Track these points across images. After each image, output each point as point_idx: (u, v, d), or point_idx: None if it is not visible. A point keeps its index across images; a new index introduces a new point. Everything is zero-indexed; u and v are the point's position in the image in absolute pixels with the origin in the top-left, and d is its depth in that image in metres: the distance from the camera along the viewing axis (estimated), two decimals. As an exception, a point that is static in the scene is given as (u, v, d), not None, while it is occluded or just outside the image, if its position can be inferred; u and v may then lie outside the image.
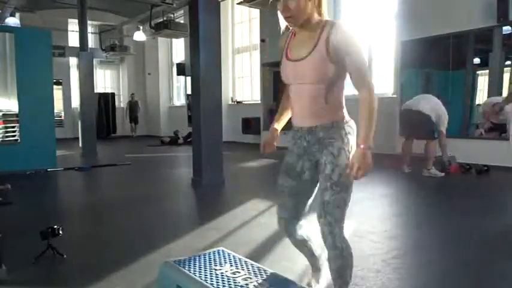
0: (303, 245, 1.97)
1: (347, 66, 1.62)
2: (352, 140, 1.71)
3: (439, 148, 5.91)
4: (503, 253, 2.86)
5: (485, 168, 5.94)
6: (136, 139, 14.83)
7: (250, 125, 11.42)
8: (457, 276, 2.47)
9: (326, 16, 1.70)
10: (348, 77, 1.68)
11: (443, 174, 5.77)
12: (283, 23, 1.72)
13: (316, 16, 1.68)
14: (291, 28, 1.75)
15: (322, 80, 1.63)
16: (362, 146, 1.60)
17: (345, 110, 1.75)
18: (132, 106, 15.37)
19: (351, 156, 1.65)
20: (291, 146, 1.82)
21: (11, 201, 4.36)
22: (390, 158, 6.47)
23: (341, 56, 1.60)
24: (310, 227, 1.96)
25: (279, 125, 2.00)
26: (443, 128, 5.77)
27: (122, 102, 16.74)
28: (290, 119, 1.90)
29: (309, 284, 2.08)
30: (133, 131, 15.53)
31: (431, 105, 5.74)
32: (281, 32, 1.79)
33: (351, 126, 1.73)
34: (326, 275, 1.99)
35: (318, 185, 1.74)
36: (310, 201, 1.87)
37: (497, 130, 6.60)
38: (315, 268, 2.07)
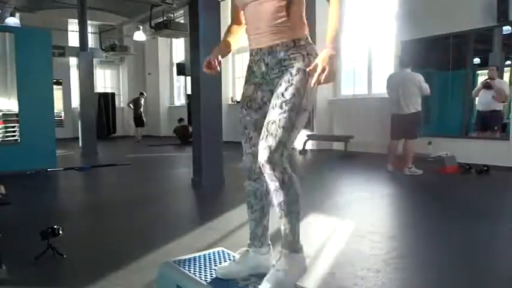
0: (258, 197, 1.75)
1: None
2: (313, 62, 1.54)
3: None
4: (503, 253, 2.86)
5: (485, 168, 5.93)
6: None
7: (250, 125, 11.40)
8: (457, 276, 2.46)
9: None
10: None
11: (421, 172, 5.85)
12: None
13: None
14: None
15: None
16: (329, 47, 1.47)
17: (307, 30, 1.63)
18: (136, 105, 13.74)
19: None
20: (247, 75, 1.69)
21: (9, 201, 4.35)
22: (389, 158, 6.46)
23: None
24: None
25: (231, 39, 1.78)
26: (428, 91, 5.88)
27: (122, 102, 16.73)
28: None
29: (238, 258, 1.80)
30: (137, 134, 13.90)
31: (414, 93, 5.81)
32: None
33: (313, 48, 1.61)
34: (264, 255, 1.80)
35: (268, 107, 1.58)
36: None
37: (488, 128, 6.65)
38: (253, 242, 1.79)
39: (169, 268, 1.88)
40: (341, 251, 2.81)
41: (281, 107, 1.52)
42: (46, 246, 2.65)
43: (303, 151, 8.90)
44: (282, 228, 1.64)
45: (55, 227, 2.69)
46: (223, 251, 2.04)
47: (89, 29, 11.43)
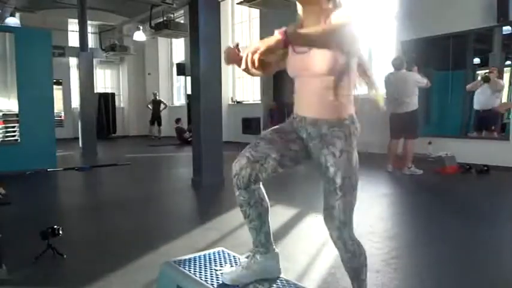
0: (253, 207, 1.73)
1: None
2: (355, 141, 1.60)
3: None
4: (503, 253, 2.87)
5: (485, 168, 5.94)
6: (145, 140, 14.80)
7: (250, 125, 11.43)
8: (457, 276, 2.47)
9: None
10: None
11: (421, 171, 5.86)
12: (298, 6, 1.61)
13: (325, 2, 1.57)
14: (297, 22, 1.62)
15: (331, 70, 1.52)
16: (282, 29, 1.38)
17: (352, 108, 1.63)
18: (155, 106, 14.47)
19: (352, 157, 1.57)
20: (287, 124, 1.68)
21: (9, 201, 4.35)
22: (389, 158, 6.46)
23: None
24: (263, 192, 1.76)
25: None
26: (427, 82, 5.93)
27: (122, 102, 16.74)
28: None
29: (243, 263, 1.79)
30: (158, 133, 14.48)
31: (411, 91, 5.85)
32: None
33: (356, 127, 1.62)
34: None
35: (322, 187, 1.62)
36: (279, 169, 1.64)
37: (485, 128, 6.67)
38: (257, 250, 1.78)
39: (170, 268, 1.88)
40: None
41: (336, 193, 1.58)
42: (46, 246, 2.65)
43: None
44: (354, 287, 1.73)
45: (55, 227, 2.69)
46: (223, 251, 2.04)
47: (89, 29, 11.43)
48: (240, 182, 1.70)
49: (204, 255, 1.97)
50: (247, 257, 1.80)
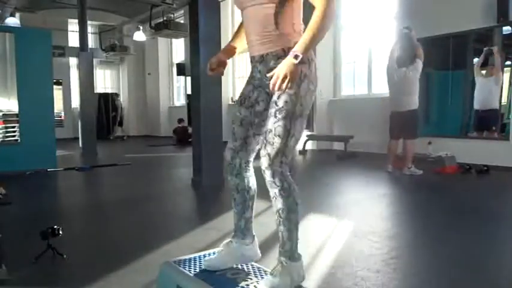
0: (240, 192, 1.84)
1: None
2: (305, 68, 1.56)
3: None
4: (503, 253, 2.87)
5: (485, 168, 5.94)
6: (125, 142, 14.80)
7: (250, 125, 11.42)
8: (457, 276, 2.47)
9: None
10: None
11: (421, 172, 5.86)
12: None
13: None
14: None
15: None
16: (292, 54, 1.46)
17: (299, 36, 1.58)
18: (114, 106, 14.17)
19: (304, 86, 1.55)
20: (249, 77, 1.74)
21: (9, 201, 4.36)
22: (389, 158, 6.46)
23: None
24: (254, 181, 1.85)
25: (235, 43, 1.87)
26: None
27: (122, 102, 16.74)
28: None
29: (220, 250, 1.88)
30: (121, 133, 14.65)
31: (413, 88, 5.85)
32: None
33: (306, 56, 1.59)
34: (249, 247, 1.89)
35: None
36: (262, 135, 1.68)
37: (486, 128, 6.67)
38: (237, 234, 1.91)
39: (170, 268, 1.88)
40: (341, 251, 2.81)
41: (275, 116, 1.55)
42: (46, 246, 2.65)
43: (303, 151, 8.90)
44: (280, 235, 1.66)
45: (55, 227, 2.69)
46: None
47: (89, 29, 11.43)
48: (233, 169, 1.79)
49: (204, 255, 1.97)
50: (224, 245, 1.87)
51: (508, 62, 6.75)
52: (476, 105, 6.73)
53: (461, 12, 6.62)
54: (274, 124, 1.54)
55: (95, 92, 12.11)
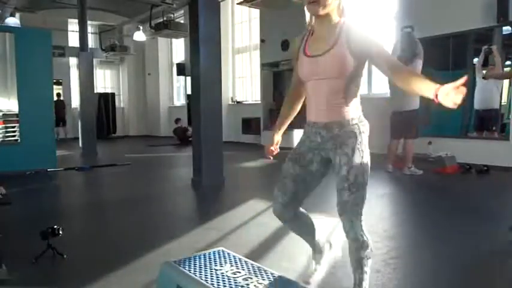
0: (301, 227, 2.04)
1: (374, 59, 1.67)
2: (365, 139, 1.75)
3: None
4: (503, 254, 2.86)
5: (485, 168, 5.94)
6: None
7: (250, 125, 11.43)
8: (457, 276, 2.47)
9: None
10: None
11: (421, 172, 5.88)
12: (308, 15, 1.79)
13: (336, 15, 1.77)
14: (308, 29, 1.82)
15: (342, 74, 1.67)
16: (435, 89, 1.45)
17: (360, 109, 1.79)
18: (59, 106, 12.79)
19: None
20: (303, 138, 1.86)
21: (10, 202, 4.35)
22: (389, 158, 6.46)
23: (361, 51, 1.66)
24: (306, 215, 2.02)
25: (280, 131, 2.06)
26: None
27: (122, 102, 16.75)
28: (297, 117, 1.99)
29: (311, 267, 2.19)
30: (64, 134, 14.00)
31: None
32: (306, 24, 1.84)
33: (364, 125, 1.77)
34: (327, 257, 2.18)
35: (336, 184, 1.77)
36: (309, 193, 1.92)
37: (486, 128, 6.69)
38: (317, 250, 2.16)
39: (170, 268, 1.88)
40: (341, 251, 2.81)
41: (349, 190, 1.71)
42: (46, 246, 2.65)
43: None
44: (357, 278, 1.86)
45: (55, 227, 2.69)
46: (223, 251, 2.04)
47: (89, 29, 11.43)
48: (285, 218, 1.94)
49: (204, 255, 1.97)
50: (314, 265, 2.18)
51: (508, 62, 6.76)
52: (477, 105, 6.73)
53: (461, 12, 6.62)
54: (349, 197, 1.71)
55: (95, 92, 12.10)
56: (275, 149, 2.05)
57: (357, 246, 1.78)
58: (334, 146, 1.74)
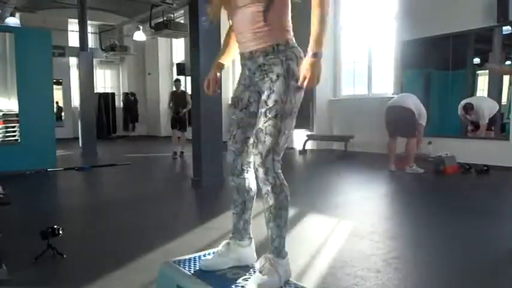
0: (240, 195, 1.83)
1: None
2: (293, 65, 1.61)
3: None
4: (504, 254, 2.86)
5: (485, 168, 5.94)
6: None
7: (250, 125, 11.41)
8: (456, 276, 2.47)
9: None
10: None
11: (423, 170, 5.93)
12: None
13: None
14: None
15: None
16: (309, 53, 1.53)
17: (289, 34, 1.66)
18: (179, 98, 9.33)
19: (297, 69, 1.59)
20: (239, 77, 1.78)
21: (9, 201, 4.35)
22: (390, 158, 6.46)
23: None
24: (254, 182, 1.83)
25: (220, 62, 1.90)
26: (423, 122, 6.05)
27: (122, 102, 16.75)
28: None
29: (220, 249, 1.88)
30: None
31: (414, 102, 6.04)
32: None
33: (293, 52, 1.63)
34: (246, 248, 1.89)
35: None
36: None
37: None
38: (235, 234, 1.91)
39: (170, 268, 1.88)
40: (341, 251, 2.81)
41: (265, 115, 1.59)
42: (46, 246, 2.65)
43: (303, 151, 8.90)
44: (269, 232, 1.69)
45: (55, 227, 2.69)
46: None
47: (89, 29, 11.42)
48: (234, 170, 1.79)
49: (204, 255, 1.97)
50: (223, 246, 1.88)
51: (508, 62, 6.75)
52: None
53: (461, 12, 6.62)
54: (264, 123, 1.58)
55: (95, 91, 12.09)
56: (213, 84, 1.87)
57: (267, 190, 1.61)
58: (261, 77, 1.64)
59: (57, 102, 13.61)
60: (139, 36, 12.22)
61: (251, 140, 1.72)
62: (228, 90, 12.32)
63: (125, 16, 13.42)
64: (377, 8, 8.55)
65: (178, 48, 15.32)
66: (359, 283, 2.27)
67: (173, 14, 11.05)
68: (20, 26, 10.55)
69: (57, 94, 12.89)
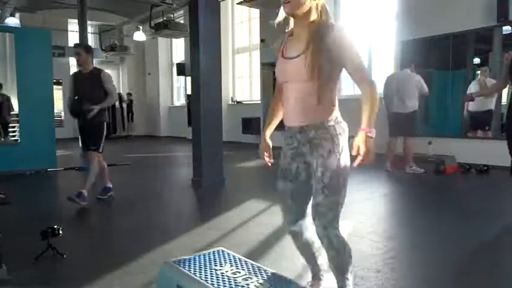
0: (307, 250, 1.95)
1: (346, 65, 1.66)
2: (342, 141, 1.72)
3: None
4: (503, 254, 2.87)
5: (485, 168, 5.94)
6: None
7: (250, 125, 11.42)
8: (456, 276, 2.47)
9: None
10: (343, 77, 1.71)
11: (423, 170, 5.95)
12: (281, 14, 1.74)
13: (314, 15, 1.71)
14: (287, 30, 1.79)
15: (314, 77, 1.63)
16: (366, 130, 1.64)
17: (337, 111, 1.75)
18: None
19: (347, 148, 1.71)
20: (284, 148, 1.83)
21: (9, 201, 4.35)
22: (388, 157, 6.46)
23: (336, 56, 1.63)
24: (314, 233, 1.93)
25: (269, 131, 2.00)
26: (427, 90, 6.11)
27: (122, 102, 16.76)
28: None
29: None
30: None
31: (416, 86, 6.02)
32: (275, 23, 1.80)
33: (342, 127, 1.74)
34: (326, 284, 2.01)
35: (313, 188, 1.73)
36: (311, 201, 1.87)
37: (479, 128, 6.73)
38: (315, 276, 2.05)
39: (170, 268, 1.88)
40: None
41: (323, 192, 1.66)
42: (46, 246, 2.65)
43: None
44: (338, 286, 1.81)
45: (55, 227, 2.69)
46: (223, 251, 2.04)
47: (89, 29, 11.43)
48: (293, 236, 1.90)
49: (204, 255, 1.97)
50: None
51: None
52: (470, 107, 6.82)
53: (461, 12, 6.62)
54: (324, 200, 1.65)
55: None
56: (269, 154, 1.98)
57: (333, 254, 1.73)
58: (311, 150, 1.70)
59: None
60: (139, 36, 12.23)
61: (305, 207, 1.83)
62: (228, 90, 12.33)
63: (124, 16, 13.43)
64: (377, 8, 8.55)
65: (178, 48, 15.33)
66: (359, 283, 2.27)
67: (173, 14, 11.07)
68: (20, 26, 10.56)
69: (57, 94, 12.87)
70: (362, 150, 1.61)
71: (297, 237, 1.88)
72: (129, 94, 16.01)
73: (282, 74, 1.75)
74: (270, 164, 1.98)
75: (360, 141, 1.63)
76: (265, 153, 1.98)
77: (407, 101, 5.95)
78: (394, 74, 6.36)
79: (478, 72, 7.02)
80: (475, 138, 6.83)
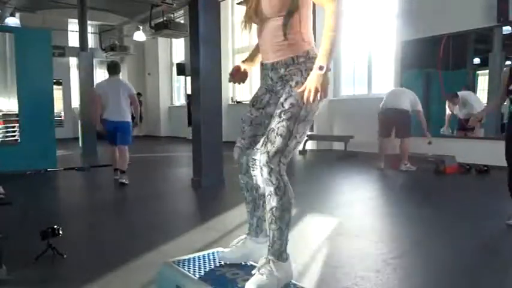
0: (249, 190, 1.85)
1: None
2: None
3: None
4: (503, 254, 2.87)
5: (485, 168, 5.93)
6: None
7: (250, 125, 11.42)
8: (457, 275, 2.47)
9: None
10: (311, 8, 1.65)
11: (415, 168, 6.08)
12: None
13: None
14: None
15: (278, 12, 1.62)
16: (317, 67, 1.54)
17: (309, 45, 1.69)
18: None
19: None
20: (261, 82, 1.83)
21: (10, 202, 4.35)
22: (388, 158, 6.46)
23: None
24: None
25: (245, 63, 1.97)
26: (420, 107, 6.22)
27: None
28: None
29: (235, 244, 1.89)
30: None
31: (409, 97, 6.18)
32: None
33: (313, 63, 1.61)
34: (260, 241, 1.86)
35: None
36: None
37: (466, 130, 6.82)
38: (251, 230, 1.89)
39: (169, 268, 1.88)
40: (341, 251, 2.81)
41: (280, 116, 1.61)
42: (46, 246, 2.65)
43: (303, 151, 8.89)
44: (271, 234, 1.67)
45: (55, 227, 2.69)
46: (223, 251, 2.04)
47: (89, 29, 11.43)
48: (241, 167, 1.84)
49: (204, 255, 1.97)
50: (239, 240, 1.90)
51: (508, 62, 6.76)
52: (459, 115, 6.91)
53: (461, 12, 6.62)
54: (277, 124, 1.60)
55: (95, 91, 12.08)
56: (237, 71, 1.94)
57: (270, 191, 1.60)
58: (282, 87, 1.68)
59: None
60: (139, 36, 12.23)
61: (260, 139, 1.73)
62: (228, 90, 12.33)
63: (125, 16, 13.43)
64: (377, 8, 8.55)
65: (178, 48, 15.33)
66: (359, 283, 2.27)
67: (173, 14, 11.06)
68: (20, 26, 10.56)
69: (57, 94, 12.87)
70: (307, 89, 1.53)
71: (241, 167, 1.82)
72: (138, 94, 15.99)
73: (254, 13, 1.73)
74: (233, 81, 1.99)
75: (309, 79, 1.55)
76: (236, 70, 1.95)
77: (402, 99, 6.09)
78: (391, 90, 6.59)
79: (478, 72, 7.05)
80: (475, 138, 6.84)
